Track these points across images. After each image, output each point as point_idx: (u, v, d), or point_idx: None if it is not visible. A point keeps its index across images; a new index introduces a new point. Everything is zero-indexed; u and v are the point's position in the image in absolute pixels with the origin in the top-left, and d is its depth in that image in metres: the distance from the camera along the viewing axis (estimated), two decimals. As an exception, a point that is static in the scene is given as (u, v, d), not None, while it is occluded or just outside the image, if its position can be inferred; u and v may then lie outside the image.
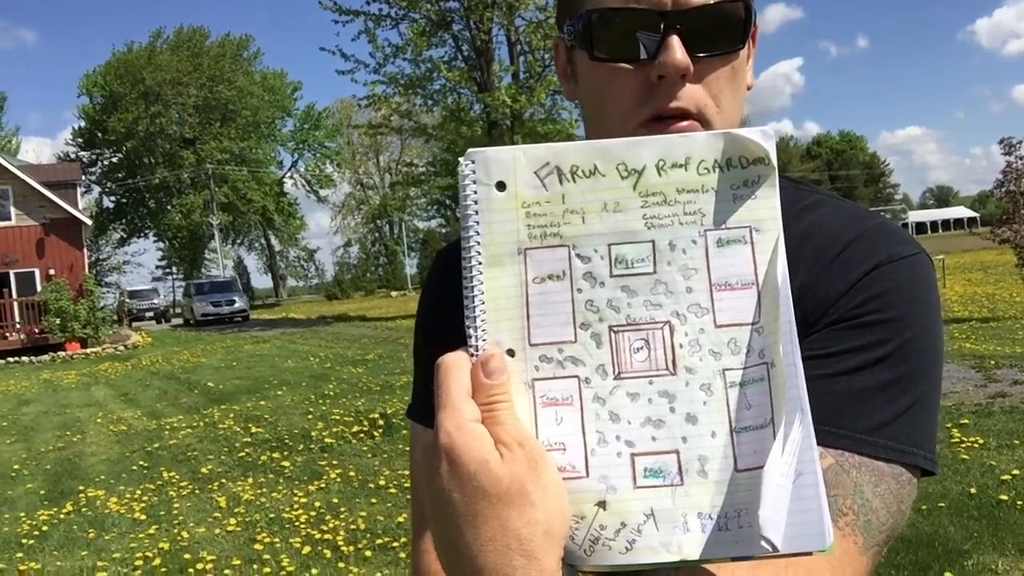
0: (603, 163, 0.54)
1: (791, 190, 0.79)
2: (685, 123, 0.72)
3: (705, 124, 0.73)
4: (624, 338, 0.53)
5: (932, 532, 4.00)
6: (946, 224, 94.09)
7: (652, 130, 0.72)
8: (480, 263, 0.53)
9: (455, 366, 0.52)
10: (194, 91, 55.43)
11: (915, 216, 76.53)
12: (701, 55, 0.71)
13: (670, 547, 0.51)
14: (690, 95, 0.72)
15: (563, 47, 0.82)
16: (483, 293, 0.53)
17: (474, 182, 0.53)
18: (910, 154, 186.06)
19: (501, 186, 0.53)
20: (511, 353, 0.53)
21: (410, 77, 22.17)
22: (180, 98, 55.56)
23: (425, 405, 0.84)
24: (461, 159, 0.54)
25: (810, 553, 0.50)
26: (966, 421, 5.89)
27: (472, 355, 0.53)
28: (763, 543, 0.49)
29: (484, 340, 0.53)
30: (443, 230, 59.55)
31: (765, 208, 0.55)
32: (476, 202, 0.53)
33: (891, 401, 0.67)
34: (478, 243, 0.53)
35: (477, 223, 0.53)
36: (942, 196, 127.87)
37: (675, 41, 0.69)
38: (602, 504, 0.52)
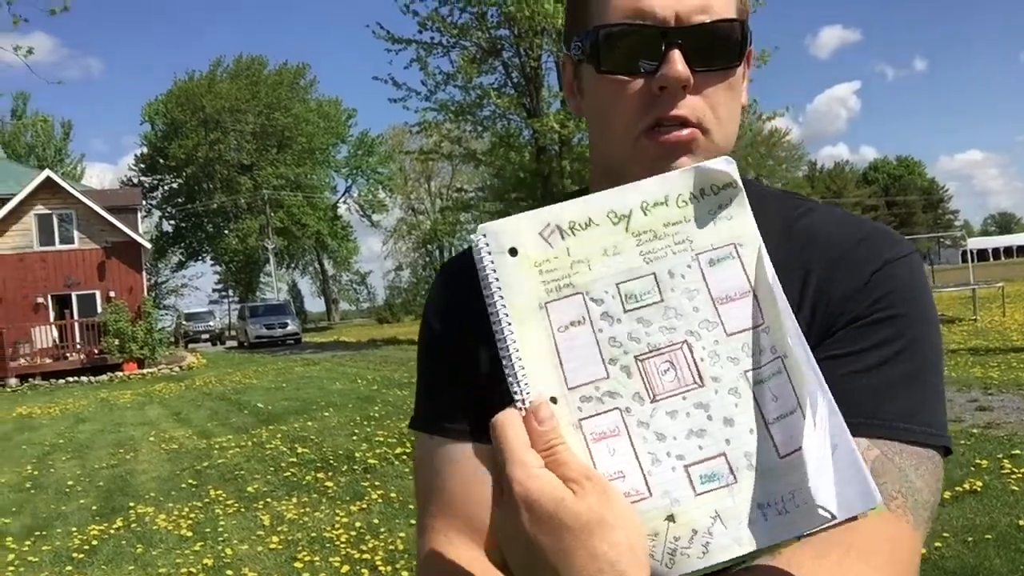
0: (595, 214, 0.60)
1: (785, 199, 0.86)
2: (686, 131, 0.77)
3: (704, 132, 0.77)
4: (650, 364, 0.59)
5: (977, 564, 3.88)
6: (1008, 251, 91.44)
7: (654, 138, 0.77)
8: (509, 324, 0.58)
9: (509, 422, 0.57)
10: (252, 118, 56.77)
11: (975, 243, 74.69)
12: (700, 69, 0.76)
13: (741, 541, 0.56)
14: (690, 105, 0.77)
15: (570, 63, 0.87)
16: (517, 351, 0.58)
17: (489, 252, 0.59)
18: (970, 179, 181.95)
19: (513, 252, 0.59)
20: (554, 400, 0.58)
21: (460, 104, 22.42)
22: (238, 125, 56.96)
23: (432, 414, 0.89)
24: (473, 235, 0.59)
25: (862, 515, 0.55)
26: (1018, 452, 5.71)
27: (520, 409, 0.58)
28: (821, 512, 0.55)
29: (528, 393, 0.57)
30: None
31: (741, 225, 0.62)
32: (495, 270, 0.59)
33: (915, 390, 0.73)
34: (503, 306, 0.58)
35: (499, 288, 0.59)
36: (1004, 222, 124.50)
37: (676, 55, 0.75)
38: (671, 517, 0.57)
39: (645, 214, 0.61)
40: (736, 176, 0.63)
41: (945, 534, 4.33)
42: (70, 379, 22.65)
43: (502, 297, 0.59)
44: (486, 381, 0.85)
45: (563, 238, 0.60)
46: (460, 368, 0.88)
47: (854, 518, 0.55)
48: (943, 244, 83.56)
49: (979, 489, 5.01)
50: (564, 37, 0.89)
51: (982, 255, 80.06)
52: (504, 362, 0.58)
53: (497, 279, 0.59)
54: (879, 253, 0.78)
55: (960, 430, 6.64)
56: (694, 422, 0.58)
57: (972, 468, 5.50)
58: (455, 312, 0.89)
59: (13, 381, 21.97)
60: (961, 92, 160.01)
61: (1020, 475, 5.18)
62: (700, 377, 0.59)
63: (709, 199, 0.62)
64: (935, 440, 0.72)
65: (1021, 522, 4.38)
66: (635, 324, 0.59)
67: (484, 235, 0.59)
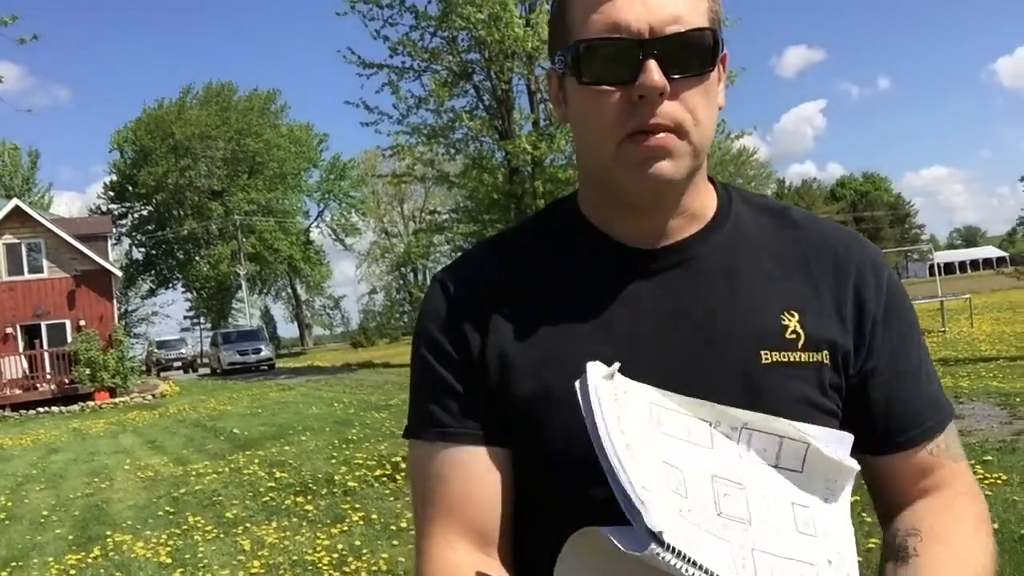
0: (625, 461, 0.72)
1: (760, 198, 0.99)
2: (664, 136, 0.82)
3: (683, 136, 0.83)
4: (724, 505, 0.74)
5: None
6: (975, 264, 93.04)
7: (636, 143, 0.82)
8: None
9: None
10: (222, 144, 56.56)
11: (942, 256, 75.85)
12: (676, 76, 0.81)
13: (844, 522, 0.79)
14: (668, 111, 0.81)
15: (555, 76, 0.92)
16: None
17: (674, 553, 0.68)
18: (936, 194, 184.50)
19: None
20: None
21: (433, 127, 22.53)
22: (209, 151, 56.72)
23: (433, 419, 0.90)
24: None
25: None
26: (990, 458, 5.84)
27: None
28: (851, 468, 0.78)
29: None
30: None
31: (641, 393, 0.80)
32: (682, 553, 0.68)
33: (934, 380, 0.95)
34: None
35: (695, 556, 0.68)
36: (969, 236, 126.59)
37: (652, 65, 0.79)
38: (829, 560, 0.76)
39: (624, 434, 0.74)
40: (615, 367, 0.80)
41: (919, 539, 4.41)
42: (41, 410, 22.31)
43: (701, 568, 0.67)
44: (486, 386, 0.89)
45: (647, 490, 0.72)
46: (460, 374, 0.90)
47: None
48: (911, 258, 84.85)
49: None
50: (549, 51, 0.94)
51: (949, 268, 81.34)
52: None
53: (696, 563, 0.67)
54: (879, 260, 0.93)
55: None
56: (767, 510, 0.75)
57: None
58: (454, 319, 0.92)
59: (-19, 413, 21.60)
60: (925, 109, 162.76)
61: (992, 480, 5.30)
62: (739, 483, 0.76)
63: (611, 381, 0.79)
64: (951, 414, 0.95)
65: (995, 526, 4.47)
66: (698, 492, 0.75)
67: (658, 551, 0.67)
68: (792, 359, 0.86)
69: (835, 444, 0.77)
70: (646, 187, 0.84)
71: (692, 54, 0.82)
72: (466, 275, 0.95)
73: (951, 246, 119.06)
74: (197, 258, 58.38)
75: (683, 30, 0.81)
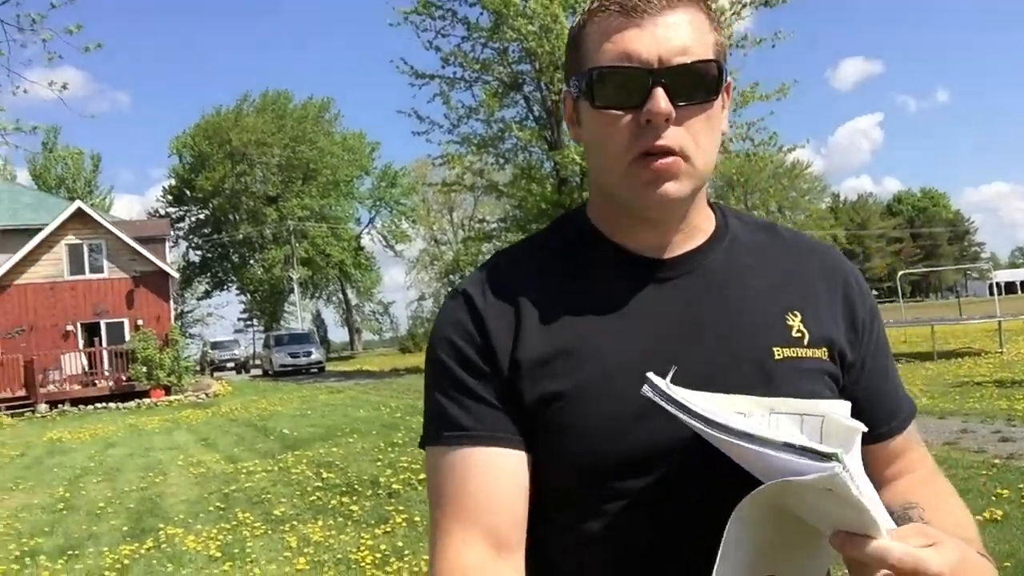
0: (737, 432, 0.79)
1: (747, 216, 1.08)
2: (670, 159, 0.88)
3: (686, 160, 0.89)
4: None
5: (993, 586, 3.94)
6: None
7: (644, 165, 0.89)
8: (868, 500, 0.73)
9: (906, 548, 0.72)
10: (277, 151, 57.58)
11: (1003, 275, 73.74)
12: (681, 104, 0.88)
13: (864, 475, 0.83)
14: (673, 136, 0.88)
15: (570, 98, 0.98)
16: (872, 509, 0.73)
17: (852, 483, 0.71)
18: (996, 211, 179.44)
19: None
20: None
21: (483, 137, 22.76)
22: (264, 158, 57.77)
23: (452, 423, 0.93)
24: (838, 472, 0.70)
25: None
26: (1041, 480, 5.73)
27: (887, 535, 0.73)
28: (857, 429, 0.83)
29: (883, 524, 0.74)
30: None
31: (699, 401, 0.85)
32: (860, 493, 0.71)
33: (899, 378, 1.07)
34: (860, 488, 0.72)
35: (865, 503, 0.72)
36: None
37: (659, 92, 0.86)
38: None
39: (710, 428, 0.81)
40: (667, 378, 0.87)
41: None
42: (98, 405, 22.95)
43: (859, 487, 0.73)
44: (511, 390, 0.93)
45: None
46: (483, 379, 0.93)
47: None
48: (970, 276, 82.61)
49: (999, 518, 5.05)
50: (564, 75, 1.01)
51: (1010, 287, 78.97)
52: (876, 516, 0.72)
53: (861, 491, 0.72)
54: (857, 272, 1.05)
55: (982, 460, 6.67)
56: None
57: (993, 498, 5.53)
58: (477, 326, 0.95)
59: (43, 407, 22.30)
60: (985, 123, 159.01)
61: (1041, 502, 5.21)
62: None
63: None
64: (913, 408, 1.07)
65: (1039, 546, 4.41)
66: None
67: (841, 467, 0.71)
68: (800, 354, 0.94)
69: (841, 411, 0.85)
70: (653, 204, 0.91)
71: (697, 84, 0.89)
72: (487, 285, 0.98)
73: (1013, 265, 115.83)
74: (251, 262, 59.47)
75: (690, 61, 0.88)
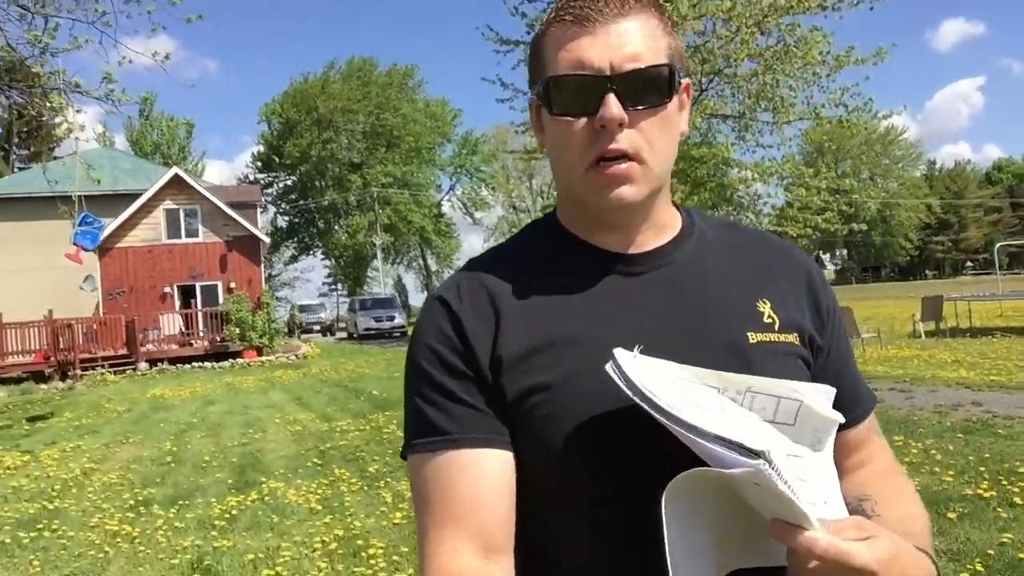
0: (680, 415, 0.80)
1: (718, 219, 1.12)
2: (624, 165, 0.92)
3: (641, 162, 0.92)
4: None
5: None
6: None
7: (600, 171, 0.92)
8: (793, 487, 0.75)
9: (831, 539, 0.74)
10: (362, 118, 58.48)
11: (1110, 247, 69.89)
12: (634, 108, 0.91)
13: (830, 468, 0.87)
14: (627, 139, 0.91)
15: (534, 106, 1.02)
16: (797, 495, 0.74)
17: (782, 479, 0.74)
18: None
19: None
20: None
21: (529, 79, 22.60)
22: (350, 125, 58.75)
23: (436, 427, 0.93)
24: (760, 471, 0.73)
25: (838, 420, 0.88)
26: None
27: (817, 525, 0.75)
28: (836, 422, 0.87)
29: (813, 516, 0.76)
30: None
31: (661, 369, 0.88)
32: (788, 484, 0.74)
33: (856, 369, 1.11)
34: (792, 488, 0.74)
35: (787, 484, 0.74)
36: None
37: (611, 98, 0.89)
38: (825, 501, 0.83)
39: (660, 393, 0.83)
40: (636, 350, 0.88)
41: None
42: (195, 364, 23.89)
43: (788, 484, 0.74)
44: (494, 391, 0.93)
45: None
46: (464, 382, 0.94)
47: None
48: (1073, 248, 78.66)
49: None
50: (529, 84, 1.02)
51: (1117, 261, 74.88)
52: (802, 508, 0.74)
53: (789, 486, 0.74)
54: (813, 263, 1.10)
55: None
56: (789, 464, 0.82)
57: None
58: (456, 330, 0.96)
59: (143, 365, 23.38)
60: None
61: None
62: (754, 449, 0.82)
63: (635, 360, 0.87)
64: (873, 401, 1.11)
65: None
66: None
67: (769, 460, 0.73)
68: (773, 339, 0.98)
69: (822, 398, 0.87)
70: (611, 208, 0.94)
71: (649, 88, 0.91)
72: (462, 287, 1.00)
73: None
74: (336, 227, 60.79)
75: (641, 67, 0.90)
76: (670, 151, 0.97)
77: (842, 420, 0.87)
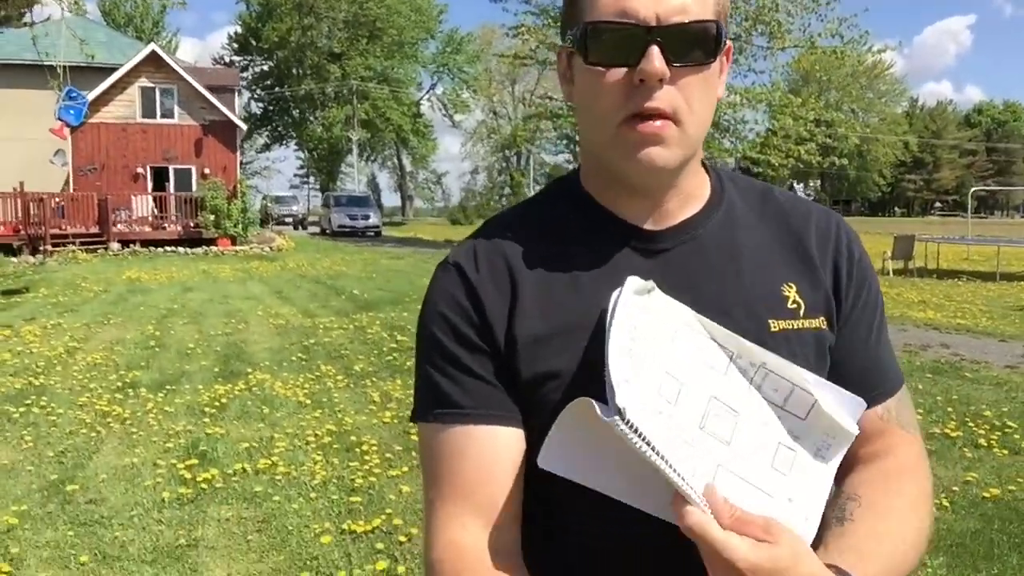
0: (622, 359, 0.77)
1: (747, 180, 1.05)
2: (659, 123, 0.85)
3: (678, 123, 0.86)
4: (709, 424, 0.79)
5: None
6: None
7: (632, 126, 0.86)
8: (669, 459, 0.71)
9: (705, 520, 0.72)
10: (345, 5, 56.72)
11: (1077, 199, 71.10)
12: (677, 64, 0.84)
13: (824, 476, 0.83)
14: (666, 97, 0.85)
15: (565, 54, 0.95)
16: (675, 467, 0.72)
17: (636, 420, 0.71)
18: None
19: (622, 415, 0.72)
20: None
21: (560, 24, 22.15)
22: (332, 12, 57.00)
23: (446, 399, 0.91)
24: (617, 425, 0.71)
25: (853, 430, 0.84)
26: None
27: (699, 503, 0.72)
28: (849, 434, 0.83)
29: (694, 489, 0.72)
30: (569, 165, 59.52)
31: (674, 311, 0.85)
32: (640, 425, 0.72)
33: (888, 347, 1.02)
34: (661, 450, 0.72)
35: (653, 445, 0.72)
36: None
37: (655, 51, 0.83)
38: (790, 499, 0.80)
39: (634, 340, 0.78)
40: (653, 283, 0.85)
41: (1022, 479, 4.61)
42: (167, 248, 23.69)
43: (656, 446, 0.71)
44: (507, 365, 0.91)
45: (630, 383, 0.75)
46: (478, 354, 0.91)
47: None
48: (1041, 197, 79.94)
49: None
50: (560, 30, 0.96)
51: (1082, 212, 76.32)
52: (673, 479, 0.71)
53: (646, 431, 0.71)
54: (852, 237, 1.01)
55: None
56: (754, 437, 0.79)
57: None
58: (471, 299, 0.93)
59: (115, 245, 23.11)
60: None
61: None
62: (733, 409, 0.80)
63: (650, 307, 0.83)
64: (901, 382, 1.01)
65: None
66: (682, 408, 0.78)
67: (630, 424, 0.71)
68: (796, 327, 0.92)
69: (843, 407, 0.83)
70: (639, 170, 0.88)
71: (695, 44, 0.85)
72: (479, 256, 0.96)
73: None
74: (312, 119, 59.65)
75: (688, 20, 0.84)
76: (707, 115, 0.90)
77: (855, 433, 0.83)
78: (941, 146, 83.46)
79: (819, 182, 78.37)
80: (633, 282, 0.82)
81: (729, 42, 0.92)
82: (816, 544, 0.82)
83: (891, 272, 17.64)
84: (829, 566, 0.76)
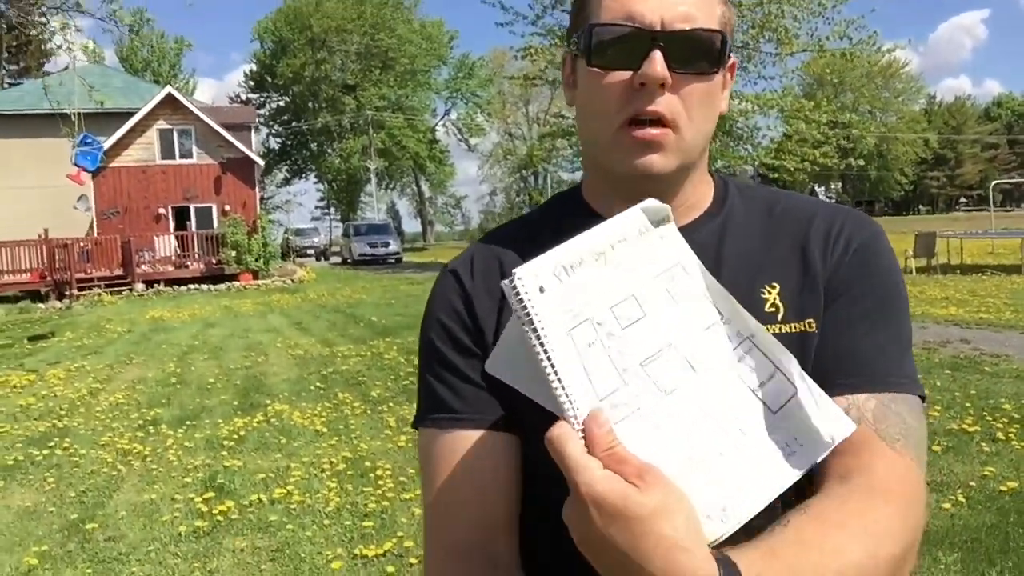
0: (584, 255, 0.70)
1: (765, 190, 1.01)
2: (658, 131, 0.85)
3: (676, 131, 0.86)
4: (652, 367, 0.70)
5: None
6: None
7: (631, 131, 0.86)
8: (552, 352, 0.65)
9: (566, 435, 0.64)
10: (357, 38, 57.45)
11: (1105, 186, 69.98)
12: (679, 71, 0.84)
13: (773, 480, 0.70)
14: (666, 102, 0.85)
15: (569, 58, 0.96)
16: (561, 375, 0.65)
17: (526, 292, 0.65)
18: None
19: (541, 290, 0.66)
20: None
21: (567, 28, 22.29)
22: (344, 45, 57.77)
23: (445, 405, 0.91)
24: (505, 282, 0.66)
25: (841, 440, 0.72)
26: None
27: (573, 422, 0.64)
28: (825, 441, 0.71)
29: (577, 407, 0.64)
30: (588, 182, 59.44)
31: (678, 248, 0.76)
32: (533, 307, 0.65)
33: (897, 349, 0.88)
34: (545, 337, 0.65)
35: (539, 322, 0.65)
36: None
37: (657, 56, 0.83)
38: (710, 481, 0.68)
39: (613, 250, 0.72)
40: (669, 212, 0.77)
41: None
42: (191, 287, 23.95)
43: (542, 329, 0.65)
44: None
45: (568, 275, 0.68)
46: (473, 360, 0.91)
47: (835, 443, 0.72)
48: (1068, 187, 78.80)
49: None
50: (567, 34, 0.96)
51: (1110, 200, 75.08)
52: (553, 384, 0.64)
53: (537, 314, 0.65)
54: (861, 229, 0.93)
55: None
56: (700, 404, 0.70)
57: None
58: (467, 306, 0.94)
59: (140, 286, 23.45)
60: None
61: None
62: (692, 366, 0.71)
63: (651, 233, 0.75)
64: (916, 389, 0.86)
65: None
66: (632, 337, 0.69)
67: (520, 279, 0.66)
68: (773, 331, 0.85)
69: (825, 415, 0.72)
70: (636, 175, 0.87)
71: (698, 53, 0.85)
72: (475, 263, 0.97)
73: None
74: (329, 151, 60.28)
75: (692, 28, 0.84)
76: (707, 126, 0.90)
77: (831, 445, 0.72)
78: (962, 141, 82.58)
79: (840, 184, 77.81)
80: (651, 203, 0.76)
81: (733, 58, 0.92)
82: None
83: (914, 270, 17.46)
84: (718, 553, 0.64)
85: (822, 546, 0.68)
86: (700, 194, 0.96)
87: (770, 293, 0.89)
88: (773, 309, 0.88)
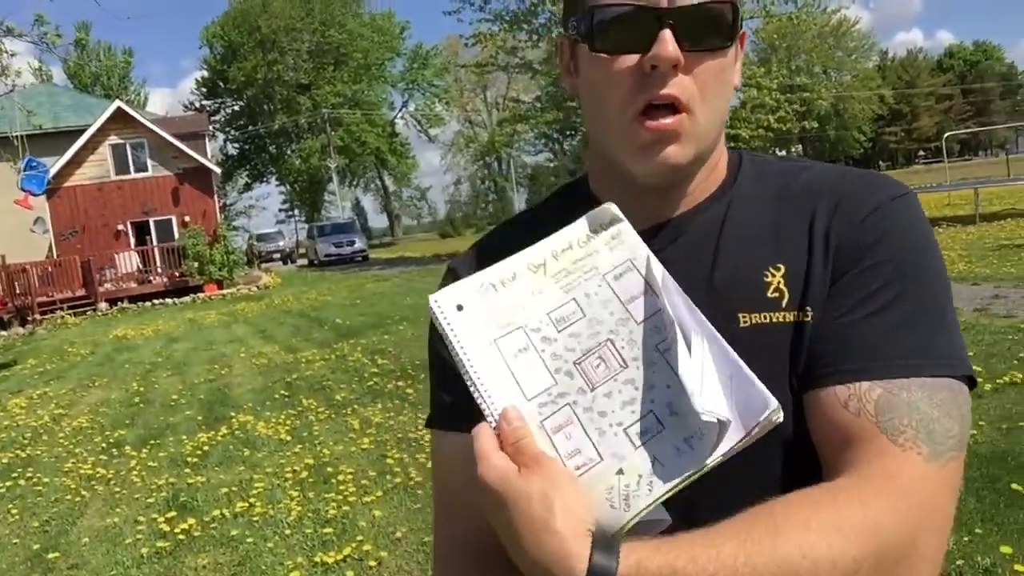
0: (517, 269, 0.76)
1: (785, 165, 0.92)
2: (672, 119, 0.79)
3: (691, 114, 0.80)
4: (587, 364, 0.73)
5: (1008, 448, 4.22)
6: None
7: (644, 124, 0.79)
8: (468, 361, 0.72)
9: (478, 432, 0.69)
10: (307, 36, 56.99)
11: (1057, 129, 71.10)
12: (691, 50, 0.78)
13: (678, 472, 0.67)
14: (679, 85, 0.78)
15: (567, 43, 0.89)
16: (480, 380, 0.71)
17: (443, 313, 0.74)
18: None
19: (460, 308, 0.74)
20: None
21: (515, 12, 22.27)
22: (295, 44, 57.26)
23: (444, 410, 0.94)
24: (430, 303, 0.74)
25: (768, 423, 0.66)
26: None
27: (491, 421, 0.69)
28: (706, 419, 0.66)
29: (495, 408, 0.70)
30: (551, 164, 59.65)
31: (631, 245, 0.77)
32: (449, 324, 0.73)
33: (921, 327, 0.77)
34: (461, 349, 0.72)
35: (455, 336, 0.73)
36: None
37: (667, 35, 0.76)
38: (620, 471, 0.68)
39: (556, 259, 0.76)
40: (618, 212, 0.78)
41: (981, 422, 4.65)
42: (155, 301, 23.67)
43: (459, 342, 0.72)
44: None
45: (497, 291, 0.74)
46: None
47: (755, 425, 0.67)
48: (1021, 133, 79.98)
49: (1019, 381, 5.30)
50: (563, 18, 0.90)
51: (1064, 142, 76.39)
52: (472, 391, 0.71)
53: (453, 330, 0.73)
54: (875, 195, 0.82)
55: (1010, 325, 6.86)
56: (626, 395, 0.71)
57: (1015, 361, 5.77)
58: None
59: (103, 305, 23.16)
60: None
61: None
62: (624, 361, 0.72)
63: (603, 233, 0.77)
64: (946, 370, 0.75)
65: (1058, 409, 4.66)
66: (568, 339, 0.73)
67: (436, 301, 0.74)
68: (773, 319, 0.81)
69: (712, 395, 0.68)
70: (651, 171, 0.82)
71: (710, 28, 0.79)
72: (474, 262, 0.94)
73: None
74: (288, 152, 59.83)
75: (702, 2, 0.78)
76: (722, 106, 0.84)
77: (722, 420, 0.66)
78: (917, 95, 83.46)
79: (800, 147, 78.46)
80: (601, 211, 0.78)
81: (744, 29, 0.86)
82: None
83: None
84: (609, 540, 0.63)
85: (760, 540, 0.63)
86: (712, 179, 0.90)
87: (774, 277, 0.82)
88: (776, 295, 0.82)
